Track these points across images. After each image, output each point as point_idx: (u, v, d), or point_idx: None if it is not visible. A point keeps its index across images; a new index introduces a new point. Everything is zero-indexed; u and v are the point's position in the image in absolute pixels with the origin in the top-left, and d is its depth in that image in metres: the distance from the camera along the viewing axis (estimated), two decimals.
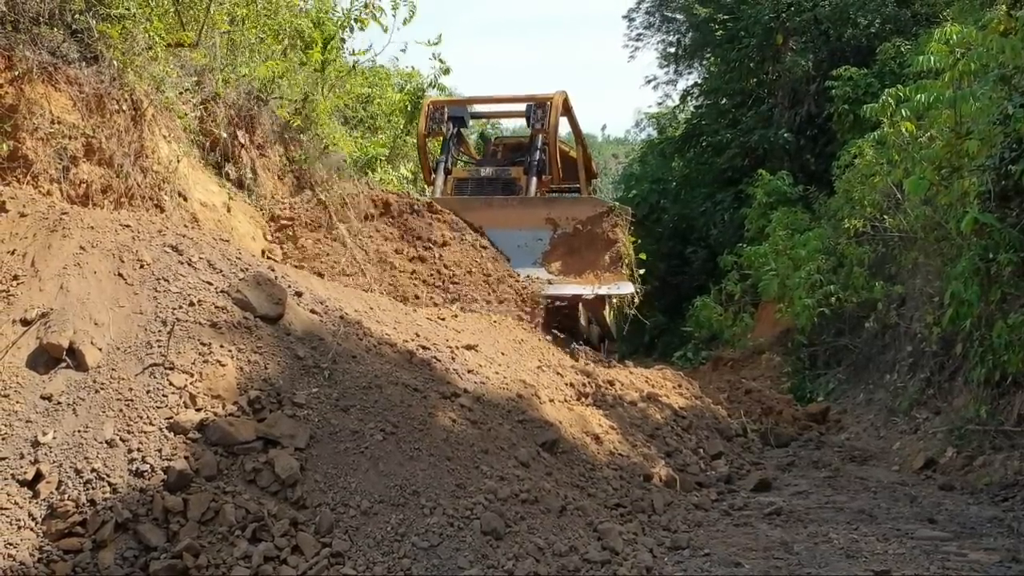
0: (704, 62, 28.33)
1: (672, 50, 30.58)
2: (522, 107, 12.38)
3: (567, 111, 12.42)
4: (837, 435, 9.21)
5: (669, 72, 31.52)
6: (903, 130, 9.45)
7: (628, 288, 9.92)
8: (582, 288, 10.11)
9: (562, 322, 10.68)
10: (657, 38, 31.63)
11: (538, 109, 11.72)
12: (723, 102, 24.14)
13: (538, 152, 11.78)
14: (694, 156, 24.53)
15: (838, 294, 11.52)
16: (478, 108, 13.82)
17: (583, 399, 7.11)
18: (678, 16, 30.25)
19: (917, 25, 17.84)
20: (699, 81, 28.15)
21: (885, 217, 10.66)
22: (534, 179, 11.81)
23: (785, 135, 19.59)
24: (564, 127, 13.07)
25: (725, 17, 23.73)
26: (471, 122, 12.96)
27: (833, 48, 19.16)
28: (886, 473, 7.35)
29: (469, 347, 7.05)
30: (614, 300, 10.97)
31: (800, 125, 19.67)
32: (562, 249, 10.38)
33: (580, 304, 10.77)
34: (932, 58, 8.56)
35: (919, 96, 8.70)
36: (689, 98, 27.87)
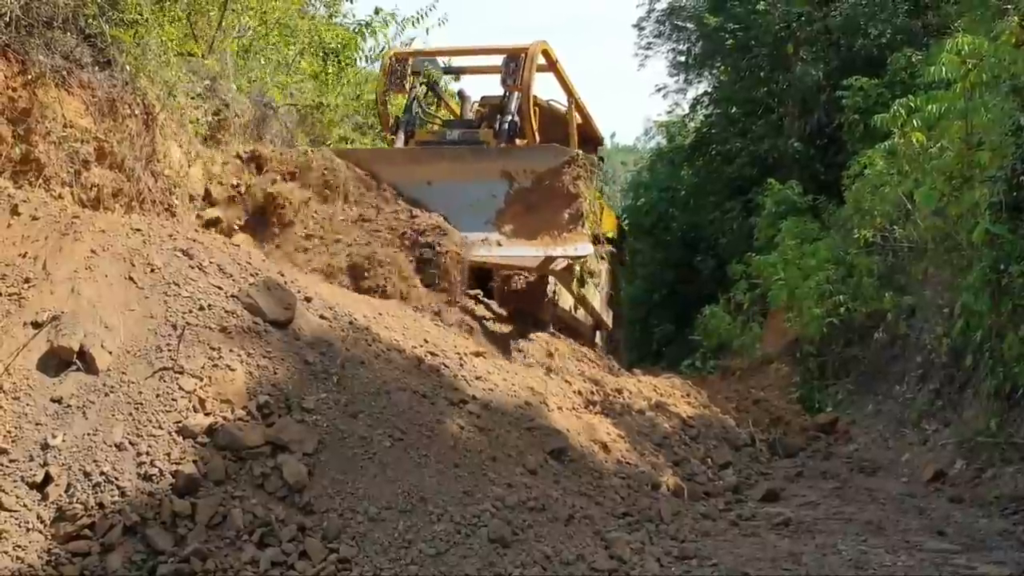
0: (714, 71, 28.26)
1: (682, 59, 30.54)
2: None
3: (551, 65, 10.71)
4: (846, 446, 9.16)
5: (679, 81, 31.43)
6: (914, 140, 9.42)
7: (586, 249, 8.41)
8: (528, 250, 8.56)
9: (522, 300, 9.42)
10: (667, 47, 31.57)
11: (511, 62, 9.87)
12: (733, 111, 24.08)
13: (511, 113, 10.11)
14: (703, 165, 24.47)
15: (847, 304, 11.46)
16: (452, 63, 12.04)
17: (591, 407, 7.10)
18: (688, 25, 30.18)
19: (928, 36, 17.76)
20: (709, 90, 28.05)
21: (895, 227, 10.61)
22: (504, 144, 10.15)
23: (795, 144, 19.54)
24: (556, 87, 11.55)
25: (735, 27, 23.67)
26: (445, 79, 11.06)
27: (844, 58, 19.09)
28: (895, 484, 7.32)
29: (478, 354, 7.05)
30: (575, 269, 9.35)
31: (810, 135, 19.61)
32: (518, 206, 8.81)
33: (540, 272, 9.07)
34: (944, 69, 8.55)
35: (930, 107, 8.68)
36: (699, 107, 27.80)
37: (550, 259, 8.68)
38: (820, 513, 6.19)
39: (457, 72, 11.43)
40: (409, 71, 10.55)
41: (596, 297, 11.67)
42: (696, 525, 5.62)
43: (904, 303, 10.62)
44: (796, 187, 16.98)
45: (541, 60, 10.25)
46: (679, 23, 30.70)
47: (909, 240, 10.15)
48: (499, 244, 8.55)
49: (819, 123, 19.31)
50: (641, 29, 32.02)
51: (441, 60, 11.26)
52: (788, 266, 13.47)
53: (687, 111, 29.46)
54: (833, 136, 18.42)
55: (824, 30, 19.63)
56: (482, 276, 9.54)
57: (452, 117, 11.75)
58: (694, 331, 17.05)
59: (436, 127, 11.10)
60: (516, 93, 10.05)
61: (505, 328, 9.10)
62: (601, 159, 14.19)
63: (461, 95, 10.93)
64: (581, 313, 11.51)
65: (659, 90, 32.50)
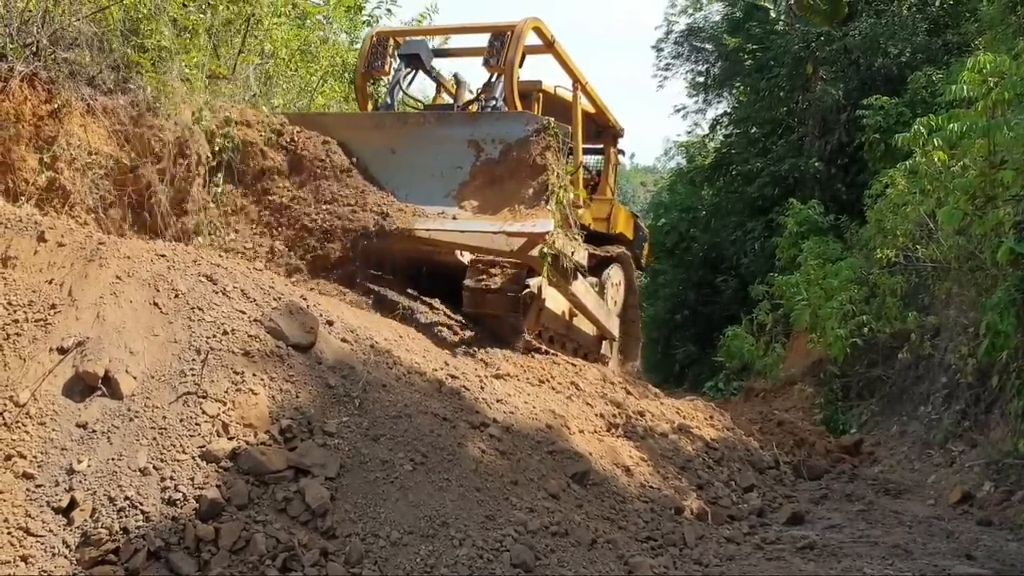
0: (733, 91, 28.37)
1: (701, 79, 30.67)
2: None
3: (548, 45, 9.49)
4: (871, 468, 9.08)
5: (698, 101, 31.63)
6: (936, 159, 9.38)
7: (545, 226, 7.22)
8: (483, 225, 7.55)
9: (493, 302, 8.17)
10: (686, 67, 31.77)
11: (496, 41, 8.81)
12: (753, 131, 24.10)
13: (495, 98, 9.06)
14: (724, 185, 24.48)
15: (871, 324, 11.38)
16: (447, 43, 10.99)
17: (613, 430, 7.08)
18: (707, 46, 30.35)
19: (949, 54, 17.73)
20: (728, 110, 28.15)
21: (918, 247, 10.54)
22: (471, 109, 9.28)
23: (816, 164, 19.50)
24: (556, 72, 10.40)
25: (754, 47, 23.75)
26: (436, 63, 9.86)
27: (863, 77, 19.08)
28: (921, 507, 7.24)
29: (498, 376, 7.05)
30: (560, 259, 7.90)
31: (831, 154, 19.57)
32: (482, 179, 7.90)
33: (518, 257, 7.77)
34: (965, 87, 8.50)
35: (952, 125, 8.64)
36: (719, 127, 27.88)
37: (509, 237, 7.58)
38: (845, 536, 6.12)
39: (447, 54, 10.36)
40: (391, 51, 9.63)
41: (599, 302, 10.50)
42: (720, 549, 5.57)
43: (928, 323, 10.55)
44: (817, 207, 16.95)
45: (535, 40, 9.28)
46: (697, 44, 30.92)
47: (932, 260, 10.07)
48: (454, 218, 7.66)
49: (839, 143, 19.27)
50: (660, 50, 32.29)
51: (431, 44, 10.20)
52: (810, 286, 13.42)
53: (707, 131, 29.60)
54: (854, 156, 18.38)
55: (843, 50, 19.63)
56: (450, 273, 8.61)
57: (448, 103, 10.54)
58: (717, 352, 16.99)
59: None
60: (500, 75, 8.93)
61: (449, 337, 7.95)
62: (622, 152, 13.51)
63: (457, 79, 9.98)
64: (580, 321, 10.43)
65: (678, 111, 32.68)
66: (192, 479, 4.14)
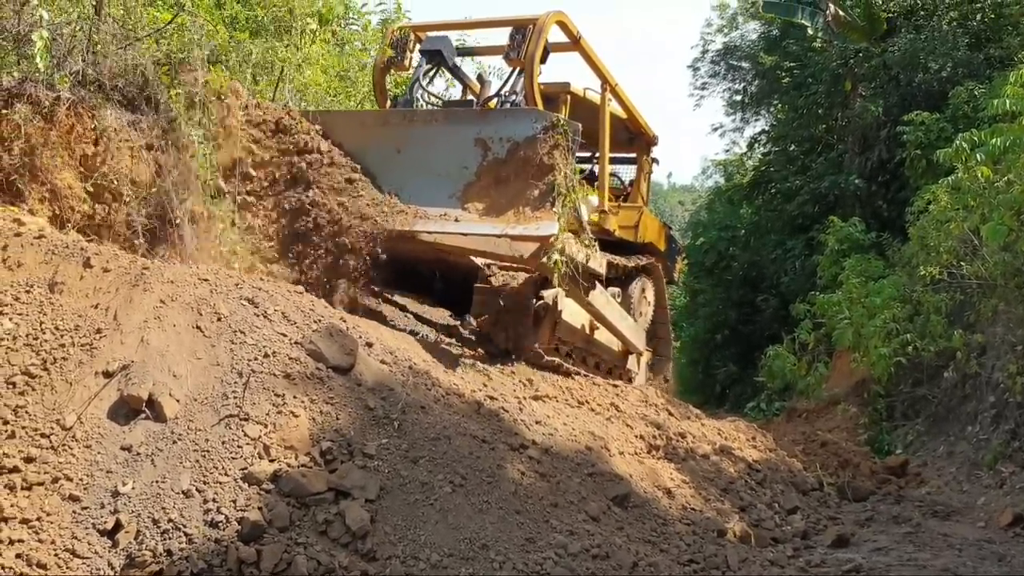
0: (771, 109, 28.25)
1: (738, 98, 30.61)
2: None
3: (574, 42, 9.05)
4: (917, 489, 8.90)
5: (736, 119, 31.57)
6: (979, 175, 9.26)
7: (549, 229, 6.83)
8: (484, 227, 7.17)
9: (504, 314, 7.87)
10: (723, 86, 31.74)
11: (517, 34, 8.42)
12: (792, 149, 23.95)
13: (515, 93, 8.64)
14: (763, 203, 24.32)
15: (915, 343, 11.22)
16: (467, 41, 10.54)
17: (654, 452, 7.02)
18: (743, 64, 30.32)
19: (991, 68, 17.51)
20: (767, 128, 28.05)
21: (962, 264, 10.40)
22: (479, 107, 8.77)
23: (856, 181, 19.31)
24: (584, 72, 9.89)
25: (792, 65, 23.66)
26: (460, 60, 9.46)
27: (903, 93, 18.89)
28: (971, 530, 7.08)
29: (537, 397, 7.04)
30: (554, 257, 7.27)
31: (871, 171, 19.37)
32: (488, 179, 7.53)
33: (529, 264, 7.34)
34: (1008, 101, 8.41)
35: (995, 140, 8.54)
36: (757, 145, 27.78)
37: (512, 241, 7.25)
38: (892, 560, 6.01)
39: (478, 54, 9.91)
40: (411, 46, 9.30)
41: (622, 314, 10.02)
42: (764, 572, 5.49)
43: (974, 341, 10.37)
44: (858, 224, 16.78)
45: (560, 36, 8.85)
46: (734, 63, 30.90)
47: (977, 276, 9.92)
48: (456, 221, 7.29)
49: (880, 159, 19.08)
50: (696, 70, 32.31)
51: (455, 40, 9.76)
52: (853, 305, 13.26)
53: (745, 149, 29.48)
54: (895, 172, 18.19)
55: (882, 66, 19.46)
56: (465, 277, 8.34)
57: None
58: (758, 372, 16.82)
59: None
60: (520, 69, 8.52)
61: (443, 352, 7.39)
62: (655, 160, 12.81)
63: (480, 78, 9.57)
64: (602, 335, 9.94)
65: (715, 129, 32.66)
66: (234, 501, 4.17)
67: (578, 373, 8.89)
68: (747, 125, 31.01)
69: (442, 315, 9.29)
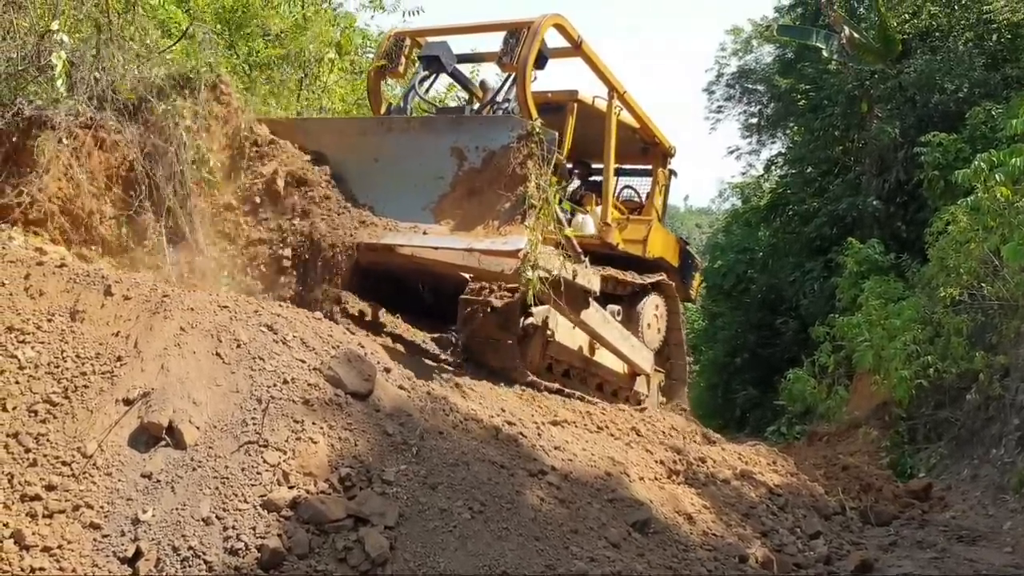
0: (787, 132, 28.27)
1: (754, 120, 30.64)
2: None
3: (576, 47, 8.65)
4: (942, 513, 8.79)
5: (752, 142, 31.58)
6: (998, 195, 9.22)
7: (516, 243, 6.42)
8: (452, 241, 6.85)
9: (489, 332, 7.70)
10: (738, 109, 31.79)
11: (511, 39, 7.98)
12: (809, 171, 23.92)
13: (508, 100, 8.29)
14: (781, 225, 24.28)
15: (936, 365, 11.12)
16: (456, 47, 9.75)
17: (674, 477, 6.97)
18: (759, 87, 30.37)
19: (1008, 88, 17.48)
20: (783, 150, 28.05)
21: (983, 285, 10.33)
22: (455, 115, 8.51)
23: (874, 203, 19.25)
24: (588, 80, 9.63)
25: (807, 87, 23.68)
26: (454, 65, 8.98)
27: (920, 114, 18.86)
28: (998, 555, 6.98)
29: (556, 422, 7.01)
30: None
31: (889, 192, 19.31)
32: (462, 190, 7.15)
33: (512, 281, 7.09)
34: None
35: (1014, 160, 8.50)
36: (773, 167, 27.78)
37: (483, 256, 7.06)
38: None
39: (474, 59, 9.48)
40: (407, 52, 9.00)
41: (623, 333, 9.52)
42: None
43: (997, 363, 10.27)
44: (877, 246, 16.71)
45: (561, 42, 8.48)
46: (749, 86, 30.97)
47: (999, 297, 9.85)
48: (424, 234, 6.97)
49: (898, 180, 19.03)
50: (711, 93, 32.37)
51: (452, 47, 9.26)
52: (873, 327, 13.18)
53: (761, 172, 29.47)
54: (913, 193, 18.13)
55: (898, 87, 19.45)
56: (454, 290, 8.18)
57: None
58: (778, 396, 16.72)
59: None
60: (513, 75, 8.14)
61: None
62: (673, 173, 12.28)
63: (483, 85, 9.23)
64: (604, 356, 9.48)
65: (732, 152, 32.61)
66: (254, 528, 4.17)
67: (570, 394, 8.48)
68: (763, 147, 31.06)
69: (414, 333, 8.88)
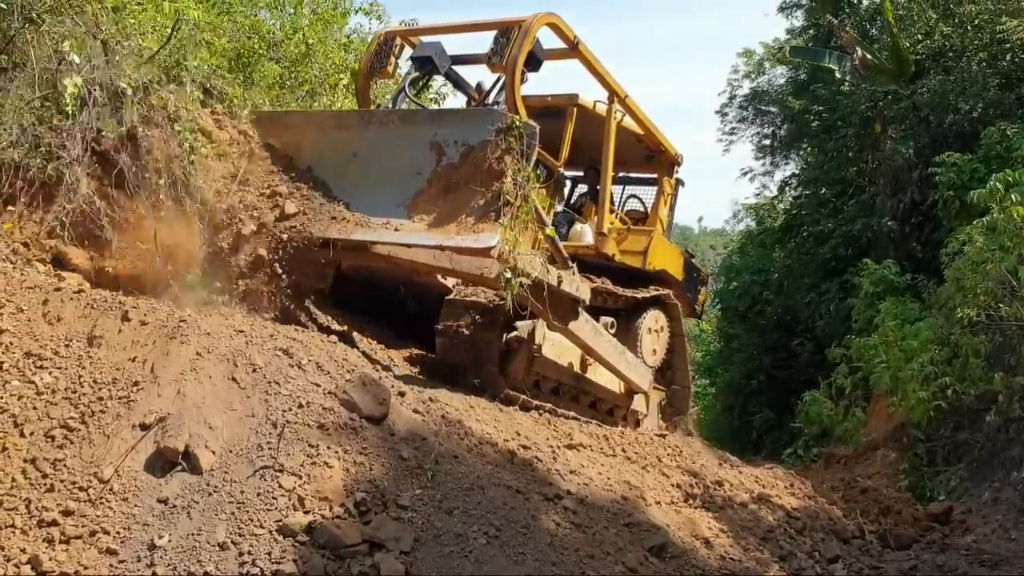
0: (801, 152, 28.22)
1: (767, 142, 30.62)
2: None
3: (572, 48, 8.32)
4: (962, 537, 8.68)
5: (765, 163, 31.54)
6: (1015, 215, 9.17)
7: (487, 241, 6.20)
8: (422, 238, 6.63)
9: (467, 344, 7.49)
10: (751, 131, 31.78)
11: (501, 38, 7.69)
12: (823, 192, 23.86)
13: (499, 103, 7.98)
14: (795, 246, 24.19)
15: (955, 386, 11.02)
16: (452, 48, 9.24)
17: (691, 501, 6.93)
18: (771, 109, 30.37)
19: (1022, 108, 17.41)
20: (797, 171, 27.99)
21: (1000, 305, 10.25)
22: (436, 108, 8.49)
23: (889, 223, 19.16)
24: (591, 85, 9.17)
25: (820, 108, 23.65)
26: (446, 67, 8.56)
27: (934, 134, 18.79)
28: None
29: (571, 446, 6.99)
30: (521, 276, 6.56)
31: (904, 213, 19.21)
32: (439, 186, 6.87)
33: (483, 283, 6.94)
34: None
35: None
36: (787, 188, 27.71)
37: (454, 254, 6.81)
38: None
39: (471, 63, 8.90)
40: (396, 52, 8.67)
41: (616, 348, 8.98)
42: None
43: (1016, 384, 10.18)
44: (893, 267, 16.62)
45: (557, 43, 8.17)
46: (762, 107, 30.95)
47: (1016, 318, 9.78)
48: (396, 230, 6.75)
49: (912, 201, 18.93)
50: (724, 115, 32.37)
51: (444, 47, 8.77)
52: (889, 348, 13.09)
53: (775, 193, 29.40)
54: (928, 214, 18.03)
55: (912, 107, 19.41)
56: (437, 297, 7.91)
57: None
58: (795, 418, 16.60)
59: None
60: (502, 76, 7.79)
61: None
62: (680, 182, 11.63)
63: (479, 87, 8.97)
64: (598, 373, 9.03)
65: (745, 173, 32.55)
66: (269, 553, 4.16)
67: (551, 411, 8.12)
68: (777, 168, 30.99)
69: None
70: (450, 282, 7.96)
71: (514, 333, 7.61)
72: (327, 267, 7.14)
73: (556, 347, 8.25)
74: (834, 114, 22.47)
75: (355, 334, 7.92)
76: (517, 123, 6.66)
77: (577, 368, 8.76)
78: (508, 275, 6.38)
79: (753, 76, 32.06)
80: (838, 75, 22.04)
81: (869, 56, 20.45)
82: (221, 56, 8.76)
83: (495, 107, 7.87)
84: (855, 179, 22.48)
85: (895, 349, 12.91)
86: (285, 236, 6.78)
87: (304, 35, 10.94)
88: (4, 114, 6.11)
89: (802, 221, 23.96)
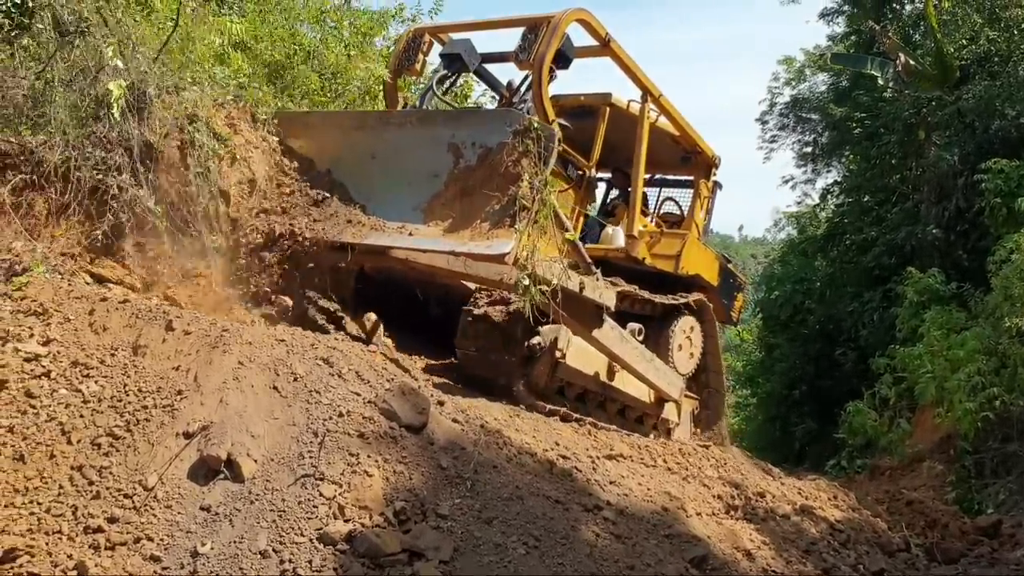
0: (843, 160, 27.93)
1: (808, 150, 30.34)
2: None
3: (603, 45, 8.05)
4: (1012, 551, 8.48)
5: (806, 171, 31.25)
6: None
7: (501, 247, 6.00)
8: (436, 243, 6.48)
9: (490, 348, 7.39)
10: (792, 138, 31.51)
11: (529, 35, 7.51)
12: (866, 199, 23.56)
13: (526, 102, 7.86)
14: (838, 255, 23.89)
15: (1003, 397, 10.83)
16: (483, 44, 9.07)
17: (732, 512, 6.86)
18: (813, 116, 30.09)
19: None
20: (839, 179, 27.70)
21: None
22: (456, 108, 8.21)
23: (934, 231, 18.88)
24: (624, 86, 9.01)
25: (863, 115, 23.38)
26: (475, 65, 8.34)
27: (980, 141, 18.49)
28: None
29: (611, 457, 6.96)
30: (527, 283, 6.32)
31: (949, 221, 18.92)
32: (455, 189, 6.69)
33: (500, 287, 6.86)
34: None
35: None
36: (829, 196, 27.41)
37: (468, 260, 6.67)
38: None
39: (498, 59, 8.55)
40: (424, 50, 8.53)
41: (643, 355, 8.71)
42: None
43: None
44: (938, 275, 16.35)
45: (588, 40, 7.95)
46: (803, 115, 30.67)
47: None
48: (410, 235, 6.58)
49: (958, 208, 18.65)
50: (764, 123, 32.13)
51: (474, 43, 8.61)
52: (935, 358, 12.88)
53: (817, 201, 29.09)
54: (974, 221, 17.74)
55: (957, 114, 19.12)
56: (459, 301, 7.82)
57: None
58: (838, 429, 16.37)
59: None
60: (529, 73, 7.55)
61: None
62: (718, 184, 11.31)
63: (509, 86, 8.81)
64: (625, 381, 8.79)
65: (786, 182, 32.27)
66: (310, 562, 4.18)
67: (579, 420, 7.97)
68: (819, 176, 30.70)
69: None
70: (473, 284, 7.84)
71: (536, 339, 7.46)
72: (347, 271, 7.13)
73: (581, 353, 8.10)
74: (877, 121, 22.20)
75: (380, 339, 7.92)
76: (535, 124, 6.49)
77: (604, 375, 8.59)
78: (526, 281, 6.23)
79: (794, 83, 31.81)
80: (880, 81, 21.79)
81: (912, 62, 20.20)
82: (259, 63, 8.85)
83: (520, 107, 7.77)
84: (898, 186, 22.18)
85: (941, 359, 12.70)
86: (302, 242, 6.74)
87: (346, 44, 11.02)
88: (50, 123, 6.22)
89: (844, 229, 23.67)
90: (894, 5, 24.68)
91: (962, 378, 11.54)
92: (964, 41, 20.27)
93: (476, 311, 7.60)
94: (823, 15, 27.33)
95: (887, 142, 21.39)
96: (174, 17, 7.06)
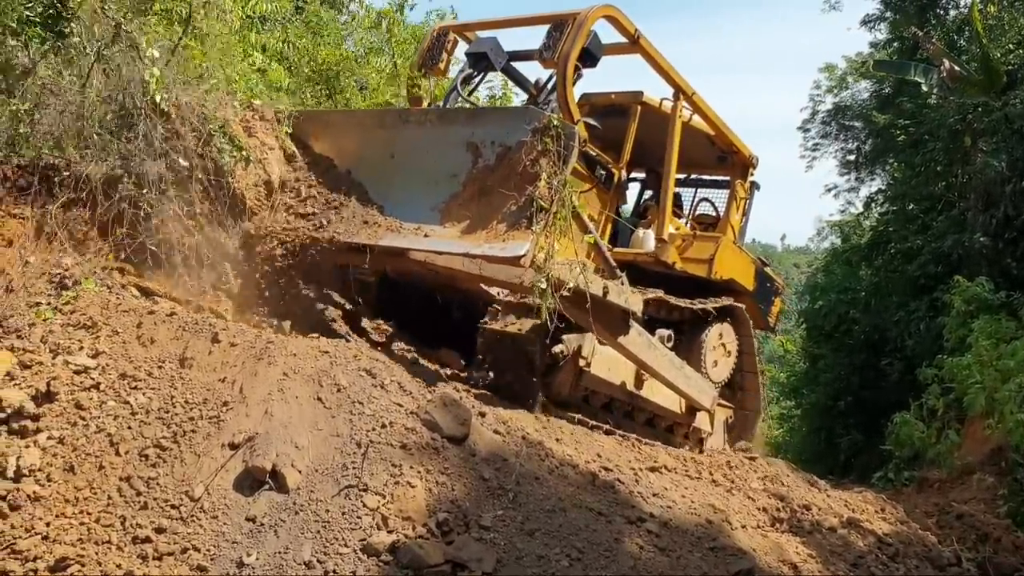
0: (887, 168, 27.58)
1: (851, 158, 30.00)
2: None
3: (633, 42, 7.82)
4: None
5: (850, 179, 30.90)
6: None
7: (517, 249, 5.80)
8: (452, 244, 6.29)
9: (508, 355, 7.25)
10: (835, 147, 31.19)
11: (554, 32, 7.28)
12: (911, 207, 23.22)
13: (550, 101, 7.62)
14: (883, 264, 23.56)
15: None
16: (510, 42, 8.74)
17: (777, 525, 6.76)
18: (856, 124, 29.77)
19: None
20: (883, 187, 27.34)
21: None
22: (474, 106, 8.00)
23: (981, 239, 18.53)
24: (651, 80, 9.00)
25: (907, 122, 23.08)
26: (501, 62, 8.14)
27: None
28: None
29: (653, 469, 6.91)
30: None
31: (997, 228, 18.56)
32: (473, 189, 6.47)
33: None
34: None
35: None
36: (873, 204, 27.07)
37: (484, 262, 6.45)
38: None
39: (525, 57, 8.26)
40: (450, 48, 8.35)
41: (673, 362, 8.43)
42: None
43: None
44: (986, 284, 16.05)
45: (616, 37, 7.71)
46: (846, 122, 30.36)
47: None
48: (426, 236, 6.39)
49: (1006, 216, 18.29)
50: (806, 131, 31.84)
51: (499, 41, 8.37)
52: (984, 368, 12.62)
53: (861, 209, 28.74)
54: (1022, 229, 17.42)
55: (1004, 119, 18.79)
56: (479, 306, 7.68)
57: None
58: (884, 440, 16.11)
59: None
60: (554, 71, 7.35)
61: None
62: (755, 185, 10.91)
63: (537, 84, 8.59)
64: (654, 390, 8.53)
65: (830, 190, 31.91)
66: (354, 573, 4.21)
67: (604, 428, 7.78)
68: (862, 184, 30.33)
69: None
70: (494, 289, 7.72)
71: (559, 347, 7.30)
72: (368, 274, 7.11)
73: (607, 362, 7.89)
74: (921, 128, 21.89)
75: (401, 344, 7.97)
76: (555, 123, 6.24)
77: (631, 384, 8.36)
78: (543, 285, 6.05)
79: (836, 91, 31.50)
80: (924, 88, 21.49)
81: (957, 68, 19.91)
82: (300, 75, 8.95)
83: (544, 106, 7.57)
84: (944, 194, 21.84)
85: (990, 369, 12.45)
86: (317, 245, 6.69)
87: (394, 55, 11.09)
88: (92, 138, 6.32)
89: (889, 238, 23.34)
90: (937, 11, 24.37)
91: (1012, 389, 11.30)
92: (1011, 46, 19.96)
93: (490, 326, 7.45)
94: (865, 22, 27.04)
95: (932, 149, 21.08)
96: (201, 28, 7.13)
